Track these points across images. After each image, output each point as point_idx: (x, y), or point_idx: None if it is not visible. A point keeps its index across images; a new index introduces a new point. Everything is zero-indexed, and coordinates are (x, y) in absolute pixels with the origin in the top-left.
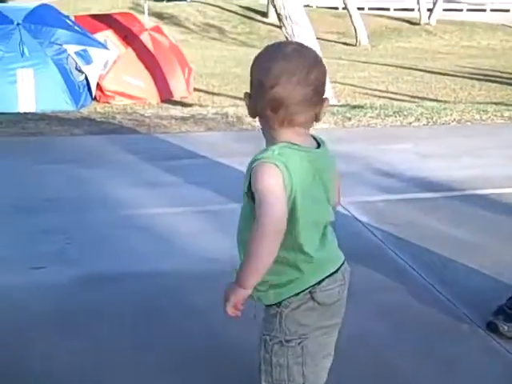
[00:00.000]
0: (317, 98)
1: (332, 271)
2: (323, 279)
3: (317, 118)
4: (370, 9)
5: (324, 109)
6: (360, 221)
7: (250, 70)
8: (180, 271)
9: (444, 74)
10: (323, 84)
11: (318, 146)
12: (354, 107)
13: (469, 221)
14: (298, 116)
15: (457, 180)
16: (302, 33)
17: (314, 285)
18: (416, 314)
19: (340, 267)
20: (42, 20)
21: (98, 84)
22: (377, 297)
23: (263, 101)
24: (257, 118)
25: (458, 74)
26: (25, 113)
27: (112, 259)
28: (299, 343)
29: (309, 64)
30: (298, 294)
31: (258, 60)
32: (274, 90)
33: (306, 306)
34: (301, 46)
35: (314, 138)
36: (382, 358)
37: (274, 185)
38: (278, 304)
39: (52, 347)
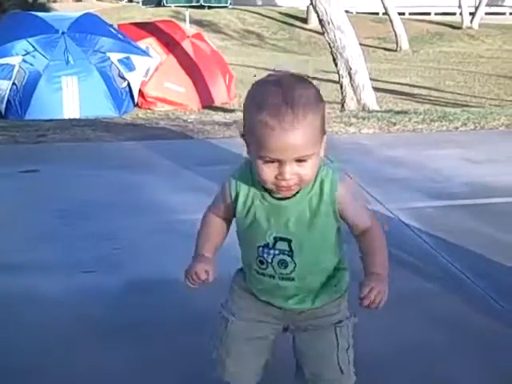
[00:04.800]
0: None
1: None
2: None
3: None
4: (410, 14)
5: None
6: (410, 227)
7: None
8: (225, 277)
9: (488, 79)
10: None
11: None
12: (398, 113)
13: None
14: None
15: (507, 186)
16: (345, 38)
17: None
18: (471, 324)
19: None
20: (86, 28)
21: (140, 90)
22: (429, 305)
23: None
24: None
25: (502, 79)
26: (70, 119)
27: (158, 265)
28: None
29: None
30: None
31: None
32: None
33: None
34: None
35: None
36: (432, 367)
37: None
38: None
39: (100, 352)
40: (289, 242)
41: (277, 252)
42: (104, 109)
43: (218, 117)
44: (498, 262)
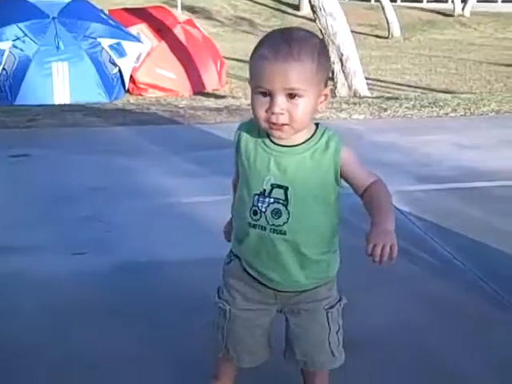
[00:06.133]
0: None
1: None
2: None
3: None
4: (402, 1)
5: None
6: (400, 211)
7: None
8: (215, 259)
9: (478, 66)
10: None
11: None
12: (389, 99)
13: (510, 211)
14: None
15: (496, 170)
16: (336, 24)
17: None
18: (460, 304)
19: None
20: (76, 14)
21: (131, 76)
22: (419, 286)
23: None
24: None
25: (493, 66)
26: (61, 104)
27: (149, 247)
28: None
29: None
30: None
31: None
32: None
33: None
34: None
35: None
36: (424, 347)
37: None
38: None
39: (91, 333)
40: (285, 189)
41: (271, 200)
42: (94, 95)
43: (209, 103)
44: (487, 244)
